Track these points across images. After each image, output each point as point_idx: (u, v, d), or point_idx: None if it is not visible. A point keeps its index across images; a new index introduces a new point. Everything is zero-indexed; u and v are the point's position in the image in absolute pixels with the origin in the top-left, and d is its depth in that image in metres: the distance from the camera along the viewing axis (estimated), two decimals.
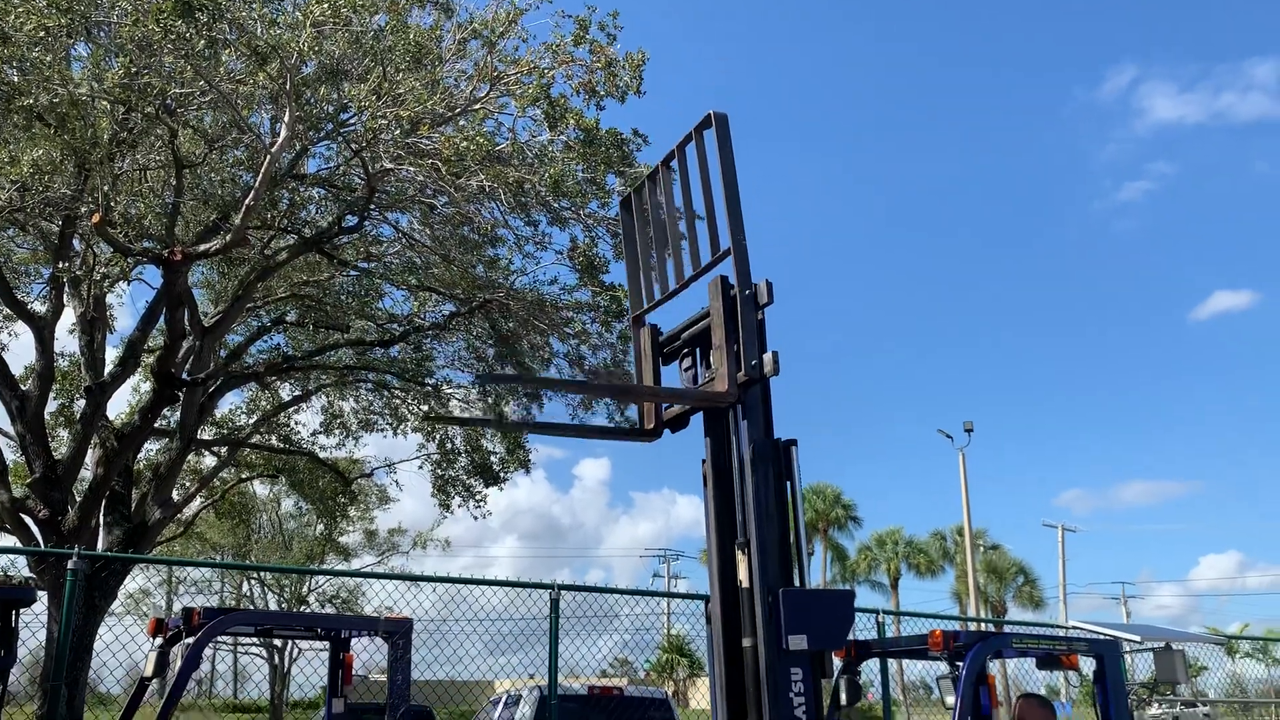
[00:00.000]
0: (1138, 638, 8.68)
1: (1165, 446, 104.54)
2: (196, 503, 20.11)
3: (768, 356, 4.63)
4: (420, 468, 18.17)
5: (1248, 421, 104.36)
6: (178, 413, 14.44)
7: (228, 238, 11.01)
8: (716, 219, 4.82)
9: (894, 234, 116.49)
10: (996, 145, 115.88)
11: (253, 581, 39.58)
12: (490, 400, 15.71)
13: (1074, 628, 6.57)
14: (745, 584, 4.53)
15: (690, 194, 5.07)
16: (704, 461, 4.92)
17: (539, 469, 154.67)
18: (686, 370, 5.18)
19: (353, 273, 14.25)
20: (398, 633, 5.67)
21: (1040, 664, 5.44)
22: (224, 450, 18.04)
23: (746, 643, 4.51)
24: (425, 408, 16.97)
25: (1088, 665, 5.32)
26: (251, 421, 18.11)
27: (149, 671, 5.66)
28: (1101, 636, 5.49)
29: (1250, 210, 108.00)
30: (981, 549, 53.50)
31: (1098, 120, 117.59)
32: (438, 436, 17.30)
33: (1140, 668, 9.26)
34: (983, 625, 21.93)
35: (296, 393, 17.74)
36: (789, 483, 4.62)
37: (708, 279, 4.92)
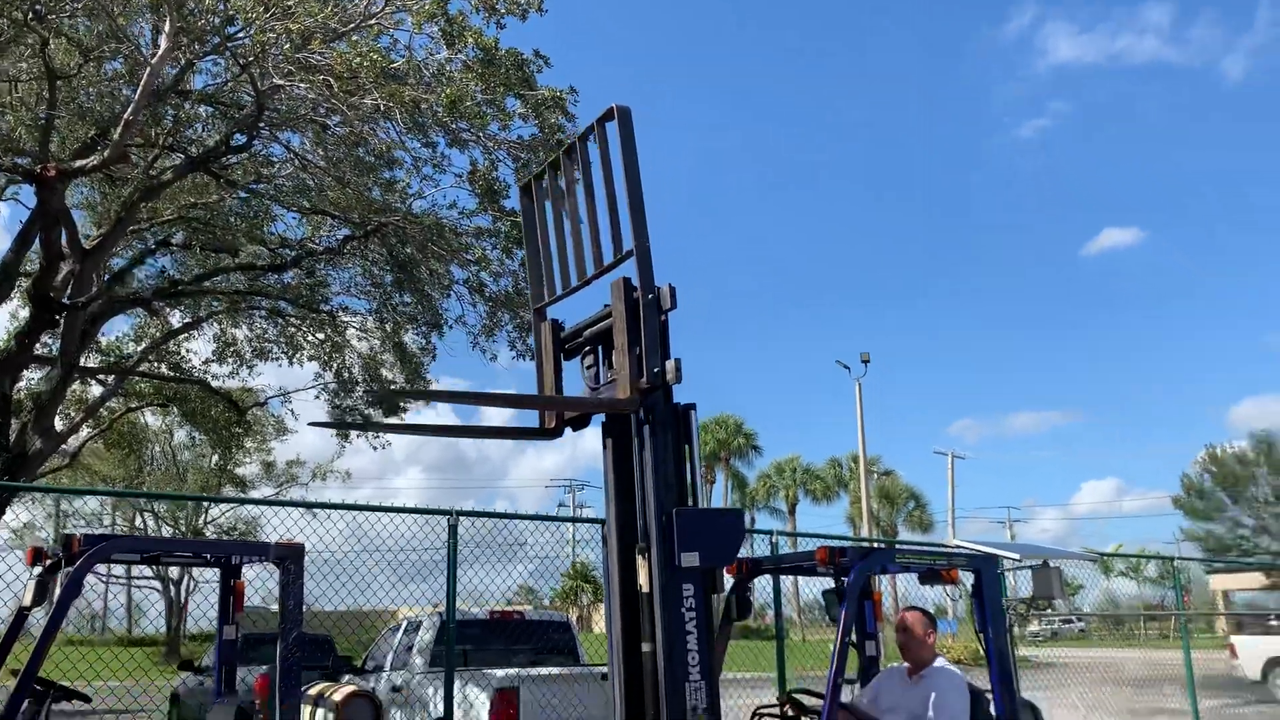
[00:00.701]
0: (1016, 555, 9.06)
1: (1053, 378, 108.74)
2: (83, 433, 19.48)
3: (670, 364, 4.58)
4: (317, 397, 17.88)
5: (1130, 354, 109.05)
6: (59, 339, 13.88)
7: (106, 154, 10.51)
8: (619, 218, 4.71)
9: (802, 168, 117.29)
10: (904, 81, 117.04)
11: (145, 514, 38.71)
12: (389, 330, 15.48)
13: (957, 546, 6.81)
14: (645, 588, 4.50)
15: (593, 187, 4.93)
16: (604, 425, 4.89)
17: None
18: (589, 368, 5.11)
19: (242, 194, 13.76)
20: (289, 558, 5.58)
21: (922, 579, 5.62)
22: (110, 378, 17.44)
23: (641, 561, 4.55)
24: (321, 336, 16.65)
25: (968, 580, 5.51)
26: (140, 349, 17.51)
27: (28, 600, 5.48)
28: (979, 552, 5.70)
29: (1140, 150, 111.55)
30: (875, 475, 55.22)
31: (1000, 58, 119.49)
32: (335, 365, 17.02)
33: (1022, 586, 9.68)
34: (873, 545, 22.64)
35: (187, 319, 17.20)
36: (687, 445, 4.64)
37: (610, 277, 4.83)
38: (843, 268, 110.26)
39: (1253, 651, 21.39)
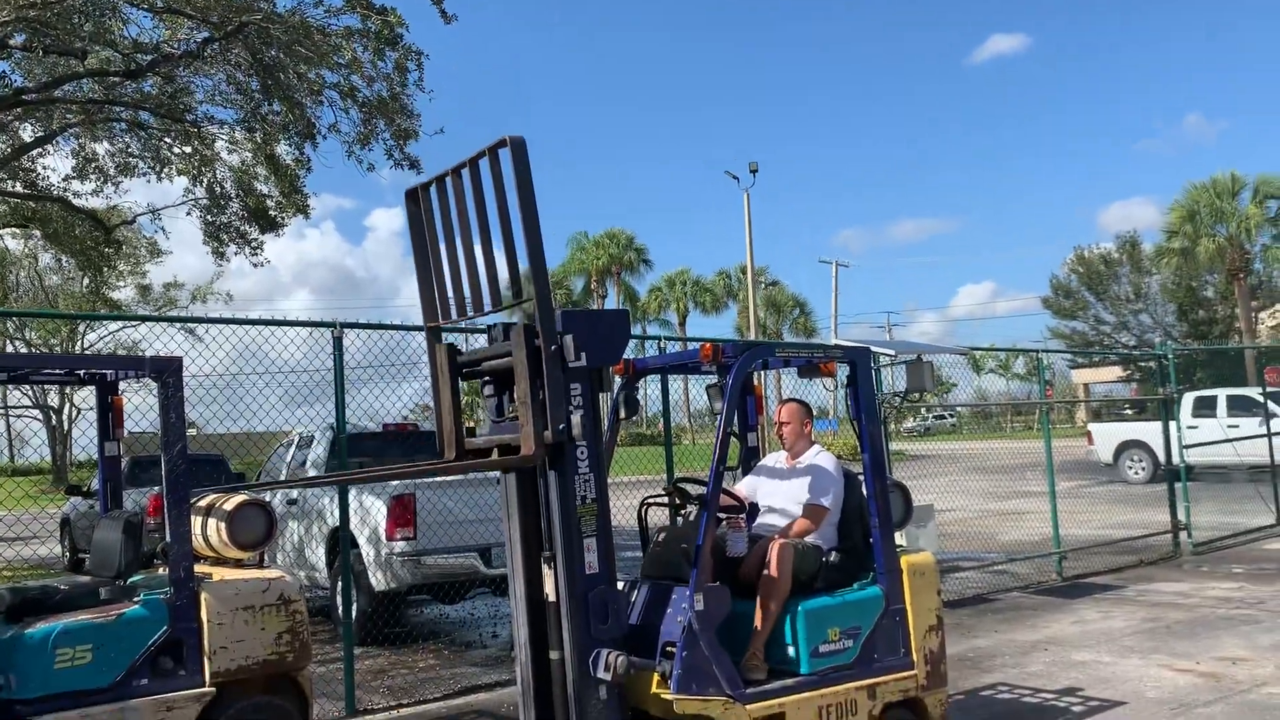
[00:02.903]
0: (892, 351, 9.45)
1: (934, 186, 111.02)
2: None
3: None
4: (188, 214, 17.13)
5: (1010, 160, 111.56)
6: None
7: None
8: (518, 262, 4.43)
9: None
10: None
11: (16, 343, 37.33)
12: (260, 141, 14.76)
13: (835, 345, 7.03)
14: (552, 598, 4.43)
15: (487, 219, 4.54)
16: None
17: (327, 220, 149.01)
18: (489, 398, 4.93)
19: None
20: (167, 371, 5.44)
21: (801, 372, 5.80)
22: None
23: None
24: (188, 149, 15.81)
25: (844, 374, 5.69)
26: None
27: None
28: (855, 346, 5.89)
29: None
30: (763, 286, 56.30)
31: None
32: (205, 180, 16.22)
33: (899, 384, 10.13)
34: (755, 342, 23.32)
35: (39, 133, 16.06)
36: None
37: (507, 315, 4.61)
38: (729, 77, 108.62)
39: (1107, 437, 23.07)
